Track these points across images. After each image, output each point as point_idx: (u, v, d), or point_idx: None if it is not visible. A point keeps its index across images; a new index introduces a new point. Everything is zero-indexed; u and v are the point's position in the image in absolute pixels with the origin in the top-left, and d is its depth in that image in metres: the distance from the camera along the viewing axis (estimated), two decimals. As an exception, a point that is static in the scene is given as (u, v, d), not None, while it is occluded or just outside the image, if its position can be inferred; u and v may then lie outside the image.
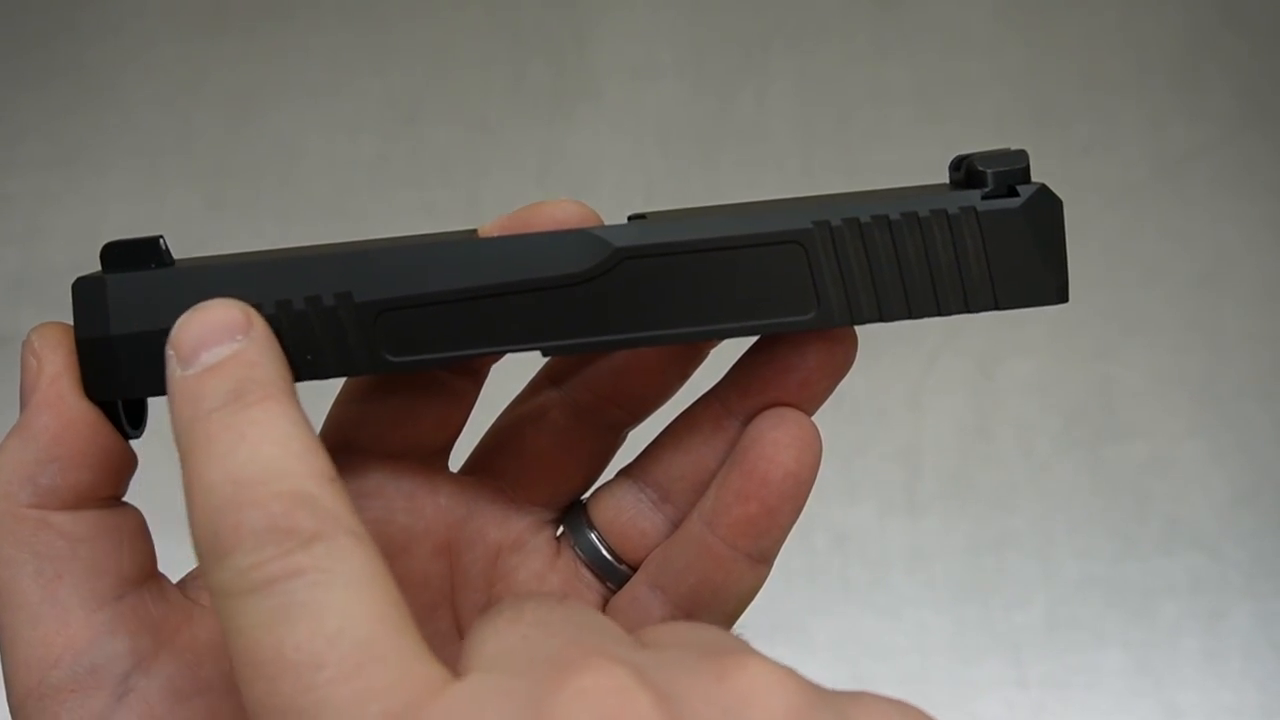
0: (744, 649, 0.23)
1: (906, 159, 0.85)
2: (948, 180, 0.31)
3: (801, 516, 0.30)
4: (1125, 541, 0.77)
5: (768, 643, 0.24)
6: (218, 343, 0.25)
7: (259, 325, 0.26)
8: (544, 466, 0.32)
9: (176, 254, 0.29)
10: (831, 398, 0.31)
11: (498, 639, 0.23)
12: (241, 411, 0.24)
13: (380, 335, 0.28)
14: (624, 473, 0.33)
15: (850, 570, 0.76)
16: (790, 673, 0.22)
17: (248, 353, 0.25)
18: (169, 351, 0.25)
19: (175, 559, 0.31)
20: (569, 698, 0.21)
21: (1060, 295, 0.29)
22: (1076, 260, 0.30)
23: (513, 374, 0.33)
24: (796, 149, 0.86)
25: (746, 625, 0.31)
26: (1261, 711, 0.73)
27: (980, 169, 0.29)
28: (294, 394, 0.25)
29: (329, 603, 0.22)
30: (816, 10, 0.90)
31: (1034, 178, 0.29)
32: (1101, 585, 0.76)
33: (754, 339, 0.31)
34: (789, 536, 0.31)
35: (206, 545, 0.23)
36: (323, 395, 0.32)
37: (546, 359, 0.31)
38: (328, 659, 0.22)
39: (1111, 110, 0.87)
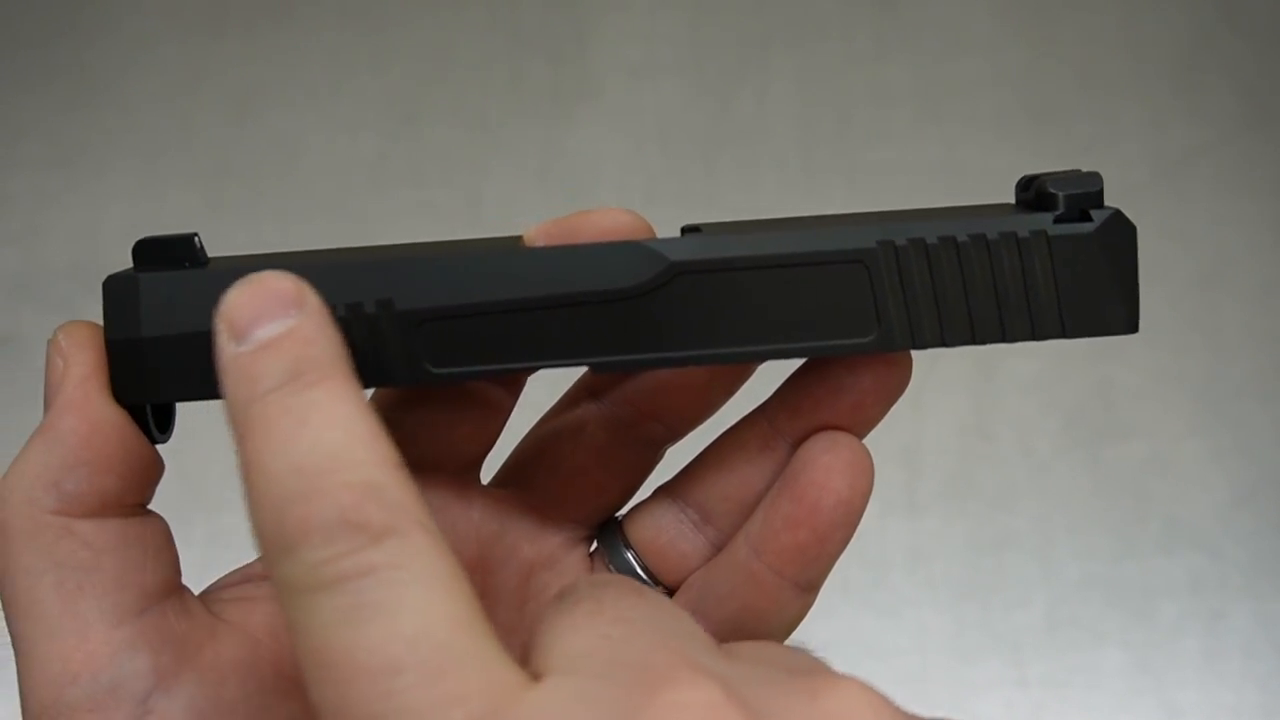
0: (831, 670, 0.23)
1: (906, 159, 0.85)
2: (1013, 200, 0.29)
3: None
4: (1125, 541, 0.77)
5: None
6: (272, 317, 0.23)
7: (312, 299, 0.24)
8: (580, 482, 0.31)
9: None
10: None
11: (576, 635, 0.22)
12: (302, 393, 0.22)
13: (422, 346, 0.27)
14: (664, 491, 0.32)
15: (850, 570, 0.76)
16: (883, 697, 0.21)
17: (304, 329, 0.23)
18: (218, 325, 0.23)
19: (197, 570, 0.30)
20: (659, 712, 0.20)
21: (1130, 325, 0.28)
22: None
23: (547, 384, 0.32)
24: (796, 149, 0.86)
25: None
26: (1261, 711, 0.72)
27: (1052, 191, 0.28)
28: (353, 374, 0.24)
29: (405, 602, 0.21)
30: (816, 10, 0.90)
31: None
32: (1101, 585, 0.76)
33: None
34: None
35: (270, 538, 0.22)
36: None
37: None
38: (406, 663, 0.20)
39: (1111, 110, 0.87)
